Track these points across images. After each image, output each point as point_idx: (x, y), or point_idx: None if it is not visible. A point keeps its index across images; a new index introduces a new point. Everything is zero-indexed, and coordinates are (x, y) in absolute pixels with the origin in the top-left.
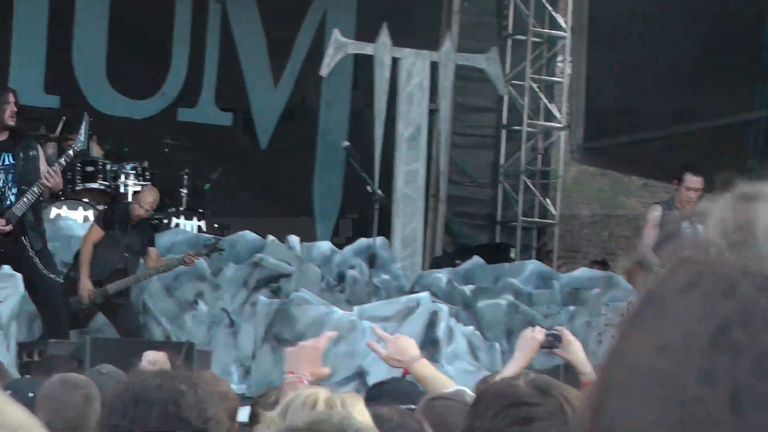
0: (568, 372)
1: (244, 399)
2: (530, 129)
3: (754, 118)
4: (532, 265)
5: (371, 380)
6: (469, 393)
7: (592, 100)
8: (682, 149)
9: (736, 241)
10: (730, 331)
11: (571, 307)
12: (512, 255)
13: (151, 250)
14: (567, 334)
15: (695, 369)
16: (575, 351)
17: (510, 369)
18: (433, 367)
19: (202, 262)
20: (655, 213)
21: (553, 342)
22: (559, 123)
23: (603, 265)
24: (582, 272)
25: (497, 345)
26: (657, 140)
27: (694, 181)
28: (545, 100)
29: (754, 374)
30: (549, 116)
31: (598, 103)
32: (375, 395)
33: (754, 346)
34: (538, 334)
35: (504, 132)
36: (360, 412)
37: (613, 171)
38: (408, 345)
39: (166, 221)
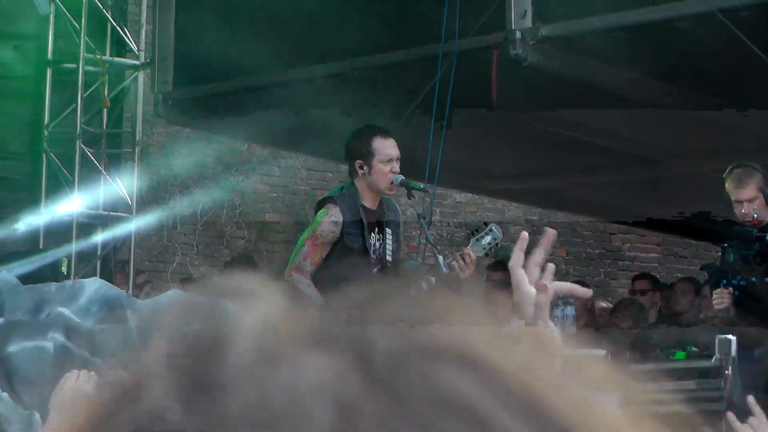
0: None
1: None
2: (90, 68)
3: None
4: (95, 286)
5: None
6: None
7: (185, 24)
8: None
9: None
10: None
11: None
12: (63, 268)
13: None
14: None
15: None
16: None
17: None
18: None
19: None
20: None
21: None
22: (136, 59)
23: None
24: (173, 296)
25: (37, 415)
26: (272, 89)
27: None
28: (113, 22)
29: None
30: (120, 47)
31: (195, 33)
32: None
33: None
34: None
35: (49, 72)
36: None
37: (219, 134)
38: None
39: None
